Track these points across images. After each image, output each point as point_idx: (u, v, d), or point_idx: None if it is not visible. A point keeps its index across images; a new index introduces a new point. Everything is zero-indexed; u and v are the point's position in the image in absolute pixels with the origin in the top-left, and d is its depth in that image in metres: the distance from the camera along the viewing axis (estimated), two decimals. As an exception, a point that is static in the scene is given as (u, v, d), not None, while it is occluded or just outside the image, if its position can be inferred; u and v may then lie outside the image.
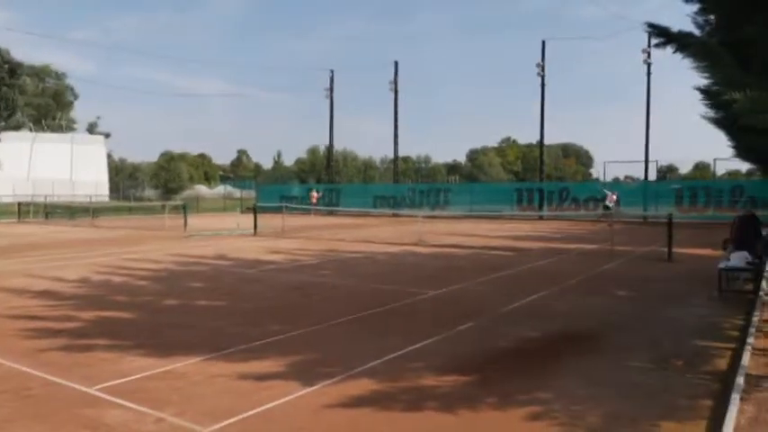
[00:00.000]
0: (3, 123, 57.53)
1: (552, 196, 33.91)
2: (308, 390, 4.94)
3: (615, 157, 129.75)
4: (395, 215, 34.44)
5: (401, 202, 38.09)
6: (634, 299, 9.50)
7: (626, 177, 40.50)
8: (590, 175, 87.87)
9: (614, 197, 29.04)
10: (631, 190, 32.51)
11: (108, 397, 4.78)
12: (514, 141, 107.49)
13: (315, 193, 39.94)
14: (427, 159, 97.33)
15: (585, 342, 6.78)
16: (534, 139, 38.86)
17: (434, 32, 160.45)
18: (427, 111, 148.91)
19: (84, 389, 4.96)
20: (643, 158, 32.97)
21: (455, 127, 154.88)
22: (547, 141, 38.41)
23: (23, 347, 6.27)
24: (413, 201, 37.93)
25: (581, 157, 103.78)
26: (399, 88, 40.68)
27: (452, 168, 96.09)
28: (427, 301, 9.03)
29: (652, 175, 33.64)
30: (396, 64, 40.61)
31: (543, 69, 35.13)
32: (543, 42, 35.12)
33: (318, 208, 35.53)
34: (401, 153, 47.06)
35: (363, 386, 5.04)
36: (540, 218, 32.47)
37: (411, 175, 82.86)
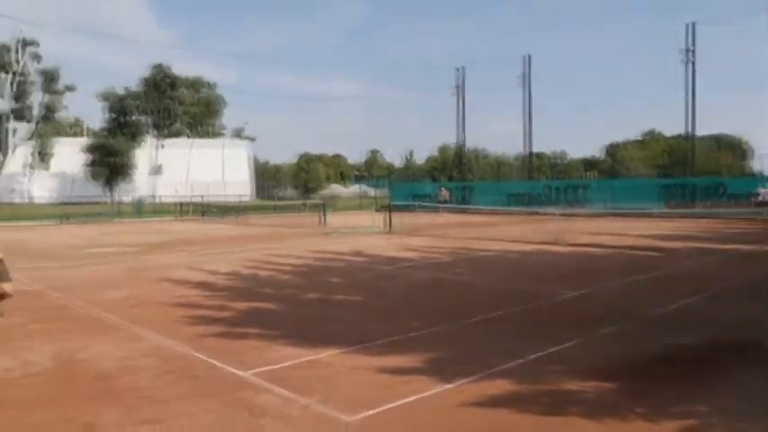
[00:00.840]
0: (165, 131, 63.61)
1: (704, 192, 31.25)
2: (447, 387, 4.98)
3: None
4: (529, 213, 33.58)
5: (536, 200, 37.04)
6: (805, 306, 8.52)
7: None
8: (749, 168, 79.85)
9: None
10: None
11: (260, 381, 5.14)
12: (659, 134, 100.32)
13: (445, 190, 40.02)
14: (563, 155, 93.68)
15: (746, 352, 6.20)
16: (682, 130, 35.92)
17: (567, 21, 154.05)
18: (562, 104, 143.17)
19: (239, 373, 5.38)
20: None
21: (592, 120, 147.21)
22: (698, 132, 35.58)
23: (187, 332, 6.91)
24: (548, 198, 36.76)
25: (738, 150, 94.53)
26: (532, 81, 39.64)
27: (590, 164, 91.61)
28: (566, 303, 8.73)
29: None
30: (528, 57, 39.61)
31: (693, 54, 32.53)
32: (692, 25, 32.52)
33: (450, 206, 35.55)
34: (535, 149, 45.81)
35: (502, 386, 4.99)
36: (690, 216, 30.07)
37: (546, 171, 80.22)
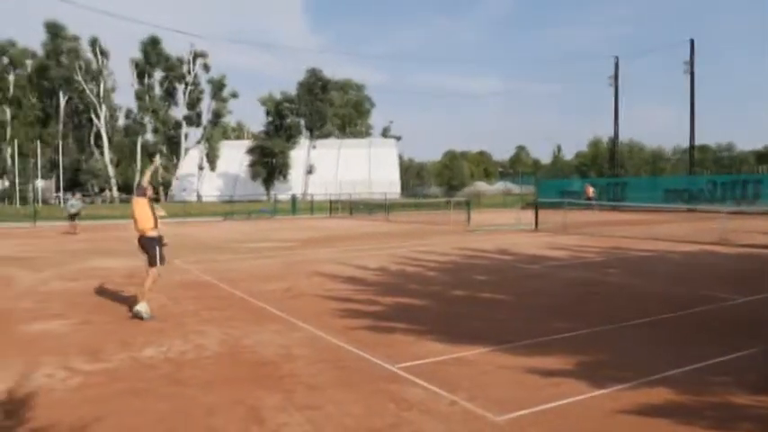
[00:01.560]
0: (317, 132, 66.98)
1: None
2: (600, 392, 4.78)
3: None
4: (690, 210, 30.95)
5: (698, 196, 34.04)
6: None
7: None
8: None
9: None
10: None
11: (407, 375, 5.28)
12: None
13: (590, 187, 38.12)
14: (730, 147, 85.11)
15: None
16: None
17: (734, 4, 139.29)
18: (729, 92, 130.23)
19: (387, 366, 5.56)
20: None
21: (765, 109, 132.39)
22: None
23: (337, 324, 7.27)
24: (712, 194, 33.62)
25: None
26: (695, 70, 36.43)
27: (763, 157, 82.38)
28: (734, 309, 7.96)
29: None
30: (691, 42, 36.47)
31: None
32: None
33: (601, 203, 33.77)
34: (697, 141, 42.08)
35: (660, 395, 4.69)
36: None
37: (709, 165, 73.44)
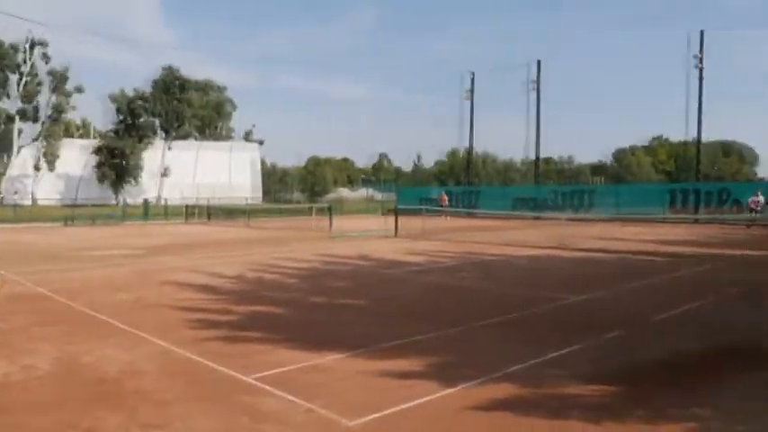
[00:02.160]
0: (173, 134, 63.90)
1: (710, 198, 31.13)
2: (450, 391, 4.98)
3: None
4: (536, 218, 33.51)
5: (542, 205, 36.97)
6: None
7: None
8: (755, 174, 79.53)
9: (758, 199, 26.22)
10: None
11: (263, 386, 5.15)
12: (666, 140, 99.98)
13: (445, 196, 40.25)
14: (570, 160, 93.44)
15: (748, 357, 6.18)
16: (689, 136, 35.80)
17: (576, 29, 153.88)
18: (570, 109, 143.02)
19: (241, 377, 5.39)
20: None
21: (600, 126, 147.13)
22: (704, 138, 35.41)
23: (189, 336, 6.93)
24: (555, 203, 36.71)
25: (744, 156, 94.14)
26: (541, 87, 39.57)
27: (597, 169, 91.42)
28: (570, 307, 8.71)
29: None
30: (538, 63, 39.54)
31: (701, 62, 32.43)
32: (701, 33, 32.47)
33: (457, 210, 35.57)
34: (543, 154, 45.69)
35: (504, 390, 4.99)
36: (696, 221, 29.97)
37: (553, 176, 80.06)
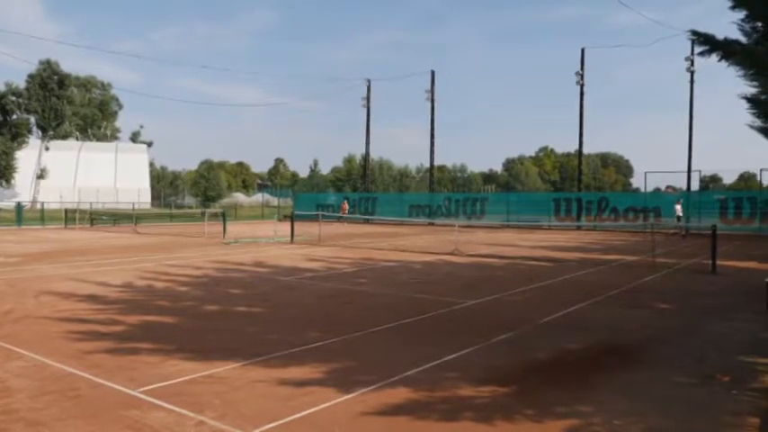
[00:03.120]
0: (51, 133, 59.53)
1: (591, 206, 33.43)
2: (347, 396, 4.97)
3: (656, 167, 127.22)
4: (430, 224, 34.38)
5: (437, 212, 38.04)
6: (677, 312, 9.28)
7: (667, 187, 39.62)
8: (630, 185, 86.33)
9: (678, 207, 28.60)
10: (673, 200, 31.78)
11: (151, 399, 4.90)
12: (552, 150, 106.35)
13: (346, 204, 40.41)
14: (463, 168, 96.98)
15: (626, 355, 6.66)
16: (572, 148, 38.49)
17: (469, 41, 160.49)
18: (463, 120, 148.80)
19: (128, 391, 5.09)
20: (686, 168, 32.24)
21: (491, 136, 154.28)
22: (585, 151, 37.96)
23: (71, 349, 6.46)
24: (448, 210, 37.86)
25: (621, 167, 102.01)
26: (435, 97, 40.71)
27: (489, 178, 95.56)
28: (463, 311, 9.00)
29: (695, 186, 32.82)
30: (432, 73, 40.68)
31: (582, 78, 34.74)
32: (582, 50, 34.77)
33: (354, 216, 35.79)
34: (437, 162, 46.97)
35: (400, 394, 5.05)
36: (578, 228, 32.03)
37: (447, 184, 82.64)
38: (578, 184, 37.44)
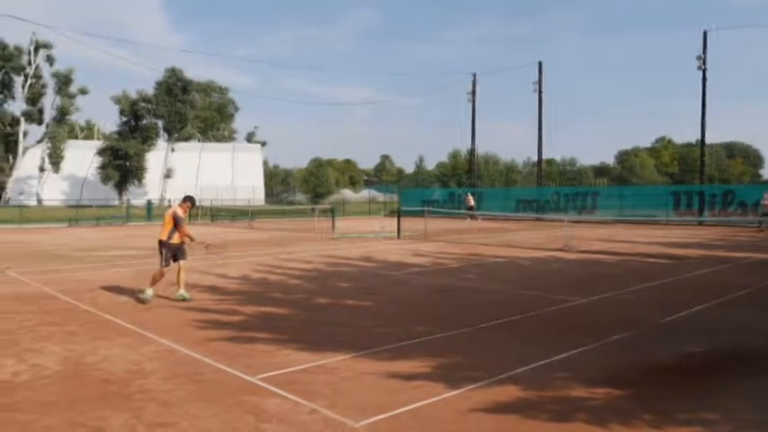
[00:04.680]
0: (176, 135, 63.95)
1: (714, 200, 31.04)
2: (455, 392, 4.98)
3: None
4: (538, 219, 33.46)
5: (545, 206, 36.95)
6: (817, 316, 8.44)
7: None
8: (759, 176, 79.40)
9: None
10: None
11: (267, 386, 5.16)
12: (670, 141, 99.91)
13: (470, 197, 38.20)
14: (573, 162, 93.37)
15: (756, 361, 6.16)
16: (693, 138, 35.86)
17: (579, 30, 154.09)
18: (573, 111, 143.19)
19: (247, 377, 5.40)
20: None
21: (603, 128, 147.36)
22: (708, 140, 35.31)
23: (196, 336, 6.95)
24: (557, 205, 36.66)
25: (749, 157, 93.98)
26: (543, 89, 39.52)
27: (600, 171, 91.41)
28: (575, 309, 8.70)
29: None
30: (540, 64, 39.51)
31: (705, 63, 32.35)
32: (705, 33, 32.37)
33: (459, 212, 35.44)
34: (545, 155, 45.63)
35: (509, 392, 4.98)
36: (700, 223, 29.90)
37: (555, 178, 79.94)
38: (700, 176, 34.96)
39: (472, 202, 36.70)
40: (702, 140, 34.34)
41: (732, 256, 16.04)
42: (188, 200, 9.74)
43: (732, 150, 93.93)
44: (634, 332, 7.20)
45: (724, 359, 6.19)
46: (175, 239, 9.36)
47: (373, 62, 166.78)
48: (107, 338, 6.90)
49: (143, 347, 6.50)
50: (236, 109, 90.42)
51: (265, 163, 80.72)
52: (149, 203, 39.51)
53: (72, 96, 63.43)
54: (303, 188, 79.18)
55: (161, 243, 9.37)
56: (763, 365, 6.02)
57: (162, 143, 63.50)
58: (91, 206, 48.51)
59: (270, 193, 72.12)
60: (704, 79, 32.51)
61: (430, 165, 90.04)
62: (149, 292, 9.25)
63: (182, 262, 9.42)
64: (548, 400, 4.84)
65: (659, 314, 8.20)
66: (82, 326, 7.60)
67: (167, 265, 9.33)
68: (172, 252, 9.36)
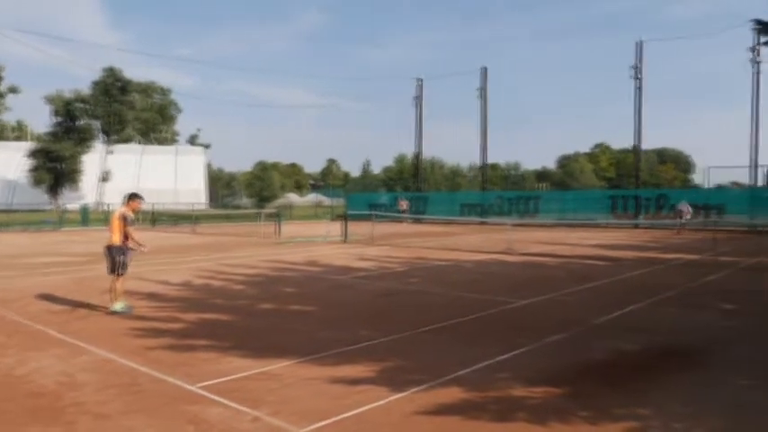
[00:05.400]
0: (114, 137, 61.93)
1: (649, 204, 32.39)
2: (399, 395, 4.99)
3: (718, 162, 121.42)
4: (482, 223, 34.05)
5: (489, 210, 37.64)
6: (741, 313, 8.91)
7: (732, 183, 37.91)
8: (690, 180, 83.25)
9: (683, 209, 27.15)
10: (737, 197, 30.42)
11: (209, 395, 5.04)
12: (607, 147, 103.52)
13: (403, 201, 40.18)
14: (516, 166, 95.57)
15: (687, 357, 6.44)
16: (629, 143, 37.26)
17: (521, 37, 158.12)
18: (516, 117, 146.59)
19: (187, 386, 5.26)
20: (749, 163, 30.86)
21: (545, 133, 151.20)
22: (643, 146, 36.75)
23: (133, 345, 6.73)
24: (501, 208, 37.40)
25: (680, 163, 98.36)
26: (488, 95, 40.31)
27: (542, 175, 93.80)
28: (516, 311, 8.88)
29: (761, 181, 31.35)
30: (484, 70, 40.28)
31: (639, 72, 33.71)
32: (639, 43, 33.74)
33: (406, 216, 35.73)
34: (489, 160, 46.48)
35: (452, 394, 5.04)
36: (636, 226, 31.09)
37: (499, 182, 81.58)
38: (636, 181, 36.36)
39: (405, 206, 38.91)
40: (637, 146, 35.71)
41: (664, 257, 16.74)
42: (134, 197, 9.23)
43: (663, 156, 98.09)
44: (572, 332, 7.41)
45: (657, 356, 6.45)
46: (125, 243, 9.00)
47: (319, 65, 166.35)
48: (38, 349, 6.59)
49: (76, 358, 6.24)
50: (179, 110, 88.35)
51: (209, 166, 79.19)
52: (85, 208, 38.07)
53: (1, 95, 60.51)
54: (248, 192, 78.10)
55: (110, 248, 8.88)
56: (694, 361, 6.29)
57: (99, 145, 61.36)
58: (22, 210, 46.30)
59: (214, 197, 70.75)
60: (639, 88, 33.87)
61: (377, 169, 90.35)
62: (119, 305, 8.62)
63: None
64: (490, 400, 4.92)
65: (596, 314, 8.47)
66: (10, 337, 7.24)
67: (124, 270, 8.85)
68: (129, 257, 9.02)
